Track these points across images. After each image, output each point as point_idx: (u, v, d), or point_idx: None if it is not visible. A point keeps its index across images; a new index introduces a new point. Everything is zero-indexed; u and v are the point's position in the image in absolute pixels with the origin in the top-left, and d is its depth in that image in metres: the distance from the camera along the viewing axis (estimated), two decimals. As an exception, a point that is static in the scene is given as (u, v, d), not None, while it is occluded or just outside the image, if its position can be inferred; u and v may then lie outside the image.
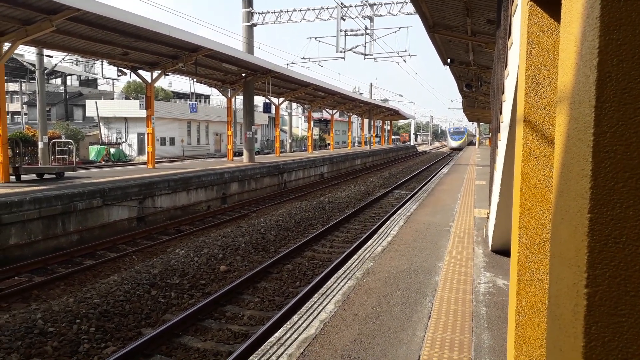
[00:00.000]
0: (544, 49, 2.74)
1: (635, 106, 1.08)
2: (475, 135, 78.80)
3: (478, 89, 22.67)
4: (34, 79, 30.03)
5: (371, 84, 65.66)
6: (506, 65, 5.04)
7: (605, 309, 1.15)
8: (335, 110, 44.21)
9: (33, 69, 22.80)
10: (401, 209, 11.83)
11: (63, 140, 19.10)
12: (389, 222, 9.90)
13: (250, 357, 3.77)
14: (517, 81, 3.82)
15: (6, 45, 12.75)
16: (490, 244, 7.48)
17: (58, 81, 53.06)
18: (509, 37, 4.65)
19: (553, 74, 2.69)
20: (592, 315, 1.15)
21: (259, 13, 26.85)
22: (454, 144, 72.08)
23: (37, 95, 22.57)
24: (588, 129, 1.17)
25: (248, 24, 25.66)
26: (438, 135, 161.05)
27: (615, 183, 1.11)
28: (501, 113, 5.75)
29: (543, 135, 2.73)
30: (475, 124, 68.76)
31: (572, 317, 1.26)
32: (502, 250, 7.16)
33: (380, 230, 9.01)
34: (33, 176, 14.60)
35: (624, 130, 1.10)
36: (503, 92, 5.42)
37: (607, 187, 1.12)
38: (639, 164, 1.09)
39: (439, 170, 25.76)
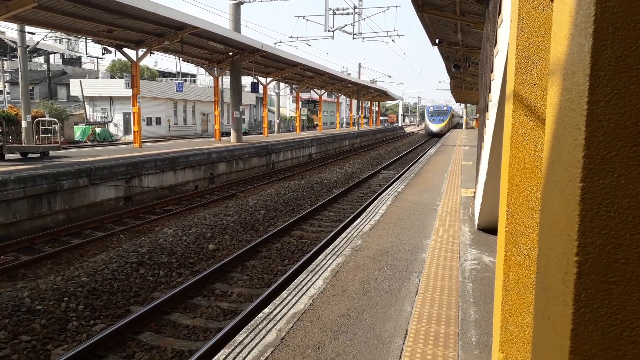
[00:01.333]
0: (535, 25, 2.73)
1: (630, 74, 1.09)
2: (462, 117, 75.27)
3: (466, 69, 22.66)
4: (15, 57, 29.37)
5: (359, 64, 65.23)
6: (495, 43, 5.04)
7: (595, 276, 1.16)
8: (323, 91, 43.98)
9: (15, 46, 22.27)
10: (389, 189, 11.89)
11: (47, 119, 18.80)
12: (377, 201, 9.95)
13: (240, 332, 3.80)
14: (507, 58, 3.82)
15: (-14, 21, 12.43)
16: (476, 222, 7.56)
17: (41, 59, 51.96)
18: (499, 14, 4.63)
19: (543, 50, 2.70)
20: (582, 282, 1.17)
21: (246, -10, 26.40)
22: (434, 127, 54.35)
23: (19, 73, 22.09)
24: (582, 99, 1.17)
25: (235, 1, 25.24)
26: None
27: (608, 152, 1.12)
28: (490, 92, 5.76)
29: (532, 112, 2.75)
30: (462, 105, 67.86)
31: (562, 286, 1.28)
32: (488, 229, 7.24)
33: (369, 209, 9.05)
34: (17, 155, 14.38)
35: (618, 98, 1.10)
36: (492, 71, 5.42)
37: (600, 155, 1.13)
38: (632, 133, 1.10)
39: (426, 151, 25.85)
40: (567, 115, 1.29)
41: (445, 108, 55.84)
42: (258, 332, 3.81)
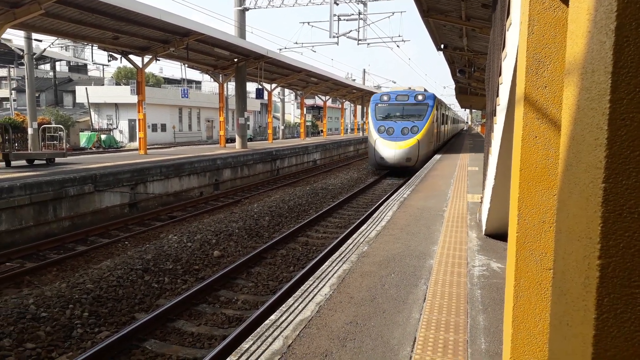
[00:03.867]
0: (546, 26, 2.70)
1: (655, 71, 1.05)
2: (466, 122, 73.73)
3: (471, 75, 22.63)
4: (22, 64, 29.54)
5: (364, 70, 65.48)
6: (504, 47, 5.00)
7: (618, 280, 1.12)
8: (328, 97, 44.04)
9: (22, 53, 22.40)
10: (394, 195, 11.83)
11: (53, 126, 18.88)
12: (382, 207, 9.90)
13: (246, 340, 3.75)
14: (516, 61, 3.78)
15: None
16: (484, 228, 7.49)
17: (47, 67, 52.33)
18: (507, 17, 4.60)
19: (555, 52, 2.66)
20: (605, 287, 1.13)
21: (251, -3, 26.53)
22: (389, 150, 21.65)
23: (25, 80, 22.22)
24: (603, 97, 1.13)
25: (240, 8, 25.35)
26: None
27: (632, 151, 1.08)
28: (497, 96, 5.72)
29: (544, 115, 2.71)
30: (467, 110, 67.47)
31: (583, 291, 1.24)
32: (496, 234, 7.18)
33: (374, 215, 9.00)
34: (23, 162, 14.43)
35: (643, 95, 1.07)
36: (500, 75, 5.39)
37: (623, 155, 1.09)
38: (657, 131, 1.06)
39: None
40: (586, 115, 1.26)
41: (421, 97, 23.11)
42: (265, 340, 3.76)
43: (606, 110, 1.11)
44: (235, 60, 22.71)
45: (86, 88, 40.65)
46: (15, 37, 33.04)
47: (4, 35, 14.04)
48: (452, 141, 41.07)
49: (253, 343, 3.70)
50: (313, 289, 4.90)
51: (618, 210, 1.11)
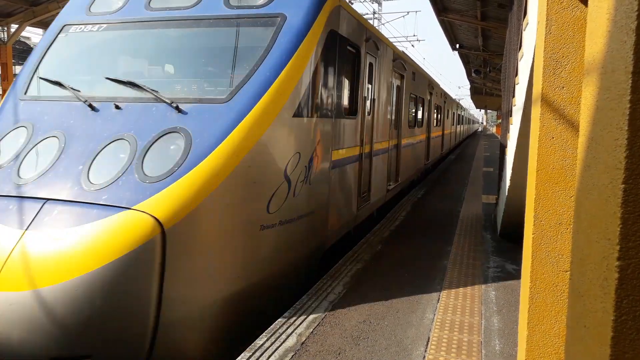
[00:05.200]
0: (564, 26, 2.68)
1: (677, 70, 1.03)
2: (481, 123, 72.68)
3: (487, 75, 22.48)
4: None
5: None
6: (520, 47, 4.97)
7: (637, 282, 1.12)
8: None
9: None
10: (408, 195, 11.79)
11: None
12: (396, 207, 9.87)
13: (260, 336, 3.77)
14: (533, 61, 3.75)
15: (13, 27, 12.70)
16: (498, 229, 7.44)
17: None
18: (524, 17, 4.57)
19: (573, 52, 2.64)
20: (624, 288, 1.13)
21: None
22: None
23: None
24: (623, 97, 1.13)
25: None
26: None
27: (653, 152, 1.08)
28: (514, 96, 5.68)
29: (561, 115, 2.68)
30: (483, 111, 66.93)
31: (601, 292, 1.23)
32: (511, 236, 7.12)
33: (388, 215, 8.98)
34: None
35: (664, 96, 1.06)
36: (516, 75, 5.35)
37: (644, 156, 1.08)
38: (679, 131, 1.05)
39: (446, 158, 25.65)
40: (605, 115, 1.25)
41: None
42: (278, 336, 3.78)
43: (626, 110, 1.10)
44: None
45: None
46: (33, 35, 33.50)
47: (23, 33, 14.24)
48: (466, 142, 39.49)
49: (267, 339, 3.72)
50: (327, 288, 4.91)
51: (638, 211, 1.11)
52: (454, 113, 24.18)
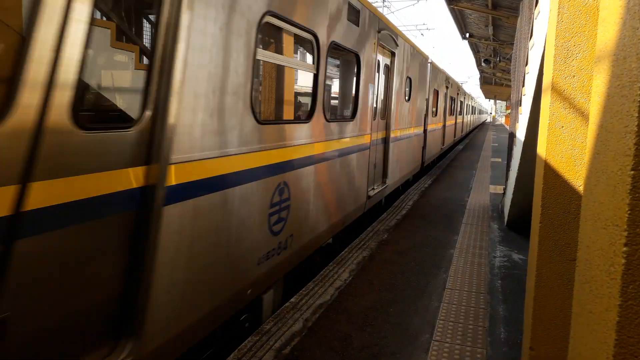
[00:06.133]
0: (575, 15, 2.66)
1: (689, 57, 1.03)
2: (490, 113, 72.01)
3: (496, 64, 22.30)
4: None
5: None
6: (531, 36, 4.93)
7: (644, 267, 1.13)
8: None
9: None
10: (416, 184, 11.78)
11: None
12: (403, 196, 9.88)
13: (267, 321, 3.82)
14: (544, 51, 3.73)
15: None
16: (505, 219, 7.44)
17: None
18: (536, 6, 4.53)
19: (584, 41, 2.62)
20: (630, 274, 1.14)
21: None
22: None
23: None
24: (634, 84, 1.13)
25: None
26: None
27: (662, 139, 1.08)
28: (523, 85, 5.65)
29: (571, 104, 2.67)
30: (492, 101, 66.43)
31: (607, 278, 1.24)
32: (518, 226, 7.12)
33: (395, 204, 8.99)
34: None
35: (675, 83, 1.06)
36: (526, 64, 5.31)
37: (653, 143, 1.09)
38: (689, 119, 1.06)
39: (454, 147, 25.54)
40: (616, 103, 1.25)
41: None
42: (285, 322, 3.83)
43: (637, 97, 1.11)
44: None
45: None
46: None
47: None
48: (474, 132, 39.40)
49: (274, 324, 3.77)
50: (333, 274, 4.95)
51: (646, 197, 1.11)
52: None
